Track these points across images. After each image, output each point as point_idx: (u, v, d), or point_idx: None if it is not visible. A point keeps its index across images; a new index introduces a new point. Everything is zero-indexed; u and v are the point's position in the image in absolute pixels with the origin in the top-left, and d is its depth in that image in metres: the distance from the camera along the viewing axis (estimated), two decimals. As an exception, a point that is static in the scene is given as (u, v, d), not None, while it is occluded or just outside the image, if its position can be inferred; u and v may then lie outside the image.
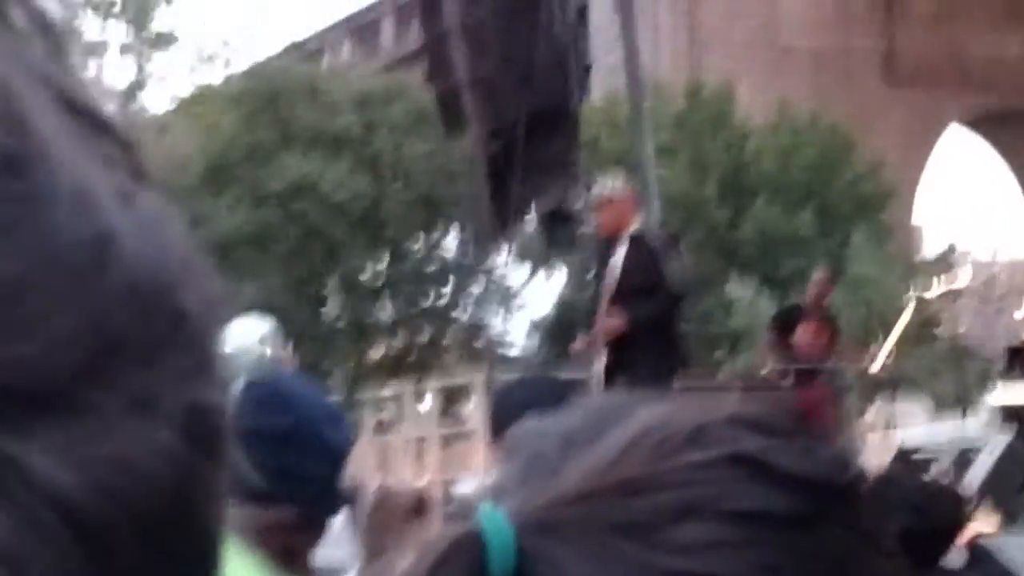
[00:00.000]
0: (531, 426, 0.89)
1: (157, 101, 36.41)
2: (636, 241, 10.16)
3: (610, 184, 10.70)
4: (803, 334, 14.42)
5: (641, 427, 0.84)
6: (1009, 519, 10.05)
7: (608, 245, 10.48)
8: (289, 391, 2.26)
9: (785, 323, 14.95)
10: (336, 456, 2.11)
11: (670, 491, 0.82)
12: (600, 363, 10.08)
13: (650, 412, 0.86)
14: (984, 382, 18.44)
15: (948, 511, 4.93)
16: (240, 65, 35.15)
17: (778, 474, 0.83)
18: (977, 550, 4.98)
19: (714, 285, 26.95)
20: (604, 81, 29.62)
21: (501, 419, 4.37)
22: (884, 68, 39.76)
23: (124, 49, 34.65)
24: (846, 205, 31.50)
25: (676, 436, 0.84)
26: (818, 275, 15.56)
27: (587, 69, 12.67)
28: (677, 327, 10.69)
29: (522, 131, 12.11)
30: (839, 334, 14.97)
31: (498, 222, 13.72)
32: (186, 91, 35.64)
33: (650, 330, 10.06)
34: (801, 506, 0.82)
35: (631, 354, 9.91)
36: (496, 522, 0.82)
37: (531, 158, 12.07)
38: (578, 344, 10.34)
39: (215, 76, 35.33)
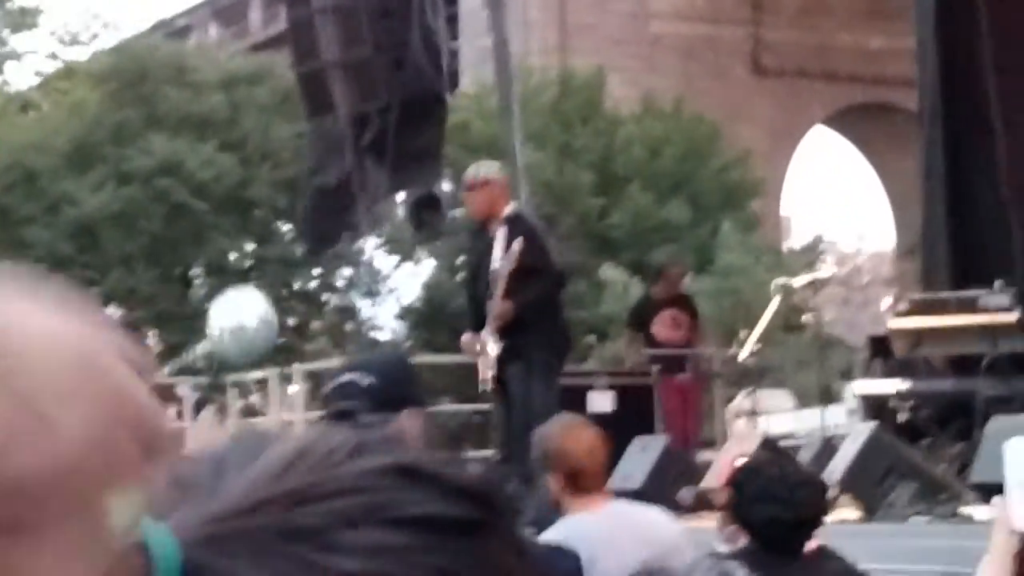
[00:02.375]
0: (173, 460, 0.87)
1: (21, 78, 35.77)
2: (513, 222, 10.13)
3: (484, 168, 10.70)
4: (660, 325, 14.51)
5: (302, 443, 0.85)
6: (870, 508, 10.16)
7: (481, 230, 10.45)
8: None
9: (639, 318, 15.03)
10: None
11: (339, 498, 0.82)
12: (495, 348, 10.04)
13: (305, 434, 0.87)
14: (848, 372, 18.67)
15: (811, 501, 4.96)
16: (106, 43, 34.65)
17: (441, 483, 0.85)
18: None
19: (584, 271, 27.04)
20: (474, 67, 29.58)
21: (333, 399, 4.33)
22: (752, 60, 40.14)
23: (-14, 25, 34.02)
24: (715, 195, 31.75)
25: (339, 449, 0.85)
26: (671, 267, 15.66)
27: (455, 54, 12.64)
28: (563, 307, 10.71)
29: (394, 117, 12.05)
30: (699, 320, 15.06)
31: (365, 208, 13.63)
32: (50, 68, 35.08)
33: (539, 311, 10.05)
34: (467, 513, 0.85)
35: (523, 337, 9.89)
36: (160, 536, 0.79)
37: (400, 144, 12.01)
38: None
39: (80, 53, 34.79)
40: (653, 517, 5.67)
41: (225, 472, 0.84)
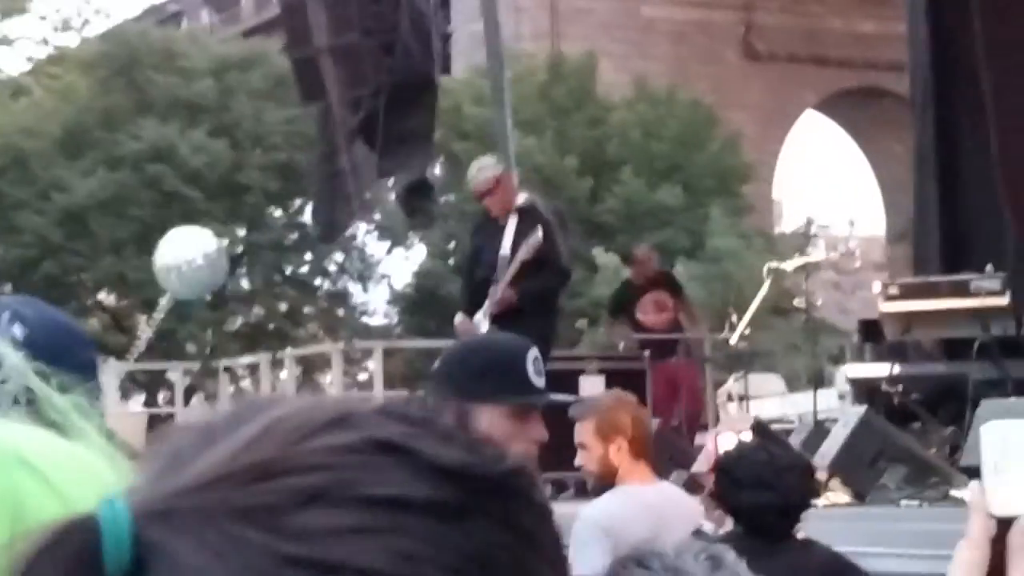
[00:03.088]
0: (176, 424, 0.84)
1: (11, 63, 35.71)
2: (527, 213, 10.10)
3: (486, 169, 10.60)
4: (644, 310, 14.45)
5: (279, 414, 0.79)
6: (861, 492, 10.17)
7: (488, 215, 10.41)
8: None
9: (618, 305, 14.99)
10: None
11: (299, 475, 0.76)
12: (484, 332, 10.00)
13: (293, 402, 0.80)
14: (839, 356, 18.68)
15: (798, 486, 4.96)
16: (97, 29, 34.59)
17: (421, 461, 0.77)
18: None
19: (576, 256, 27.06)
20: (466, 52, 29.55)
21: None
22: (743, 44, 40.11)
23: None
24: (708, 179, 31.75)
25: (315, 421, 0.78)
26: (637, 251, 15.60)
27: (447, 38, 12.59)
28: (559, 301, 10.68)
29: (383, 101, 12.01)
30: (684, 298, 14.95)
31: (356, 193, 13.60)
32: (41, 54, 35.00)
33: (539, 303, 10.02)
34: (445, 495, 0.77)
35: (518, 326, 9.83)
36: (113, 510, 0.76)
37: (389, 129, 11.98)
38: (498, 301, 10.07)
39: (71, 39, 34.72)
40: (687, 498, 5.72)
41: (207, 442, 0.79)
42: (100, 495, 0.80)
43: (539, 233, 9.84)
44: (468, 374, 3.73)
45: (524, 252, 9.86)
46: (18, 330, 2.15)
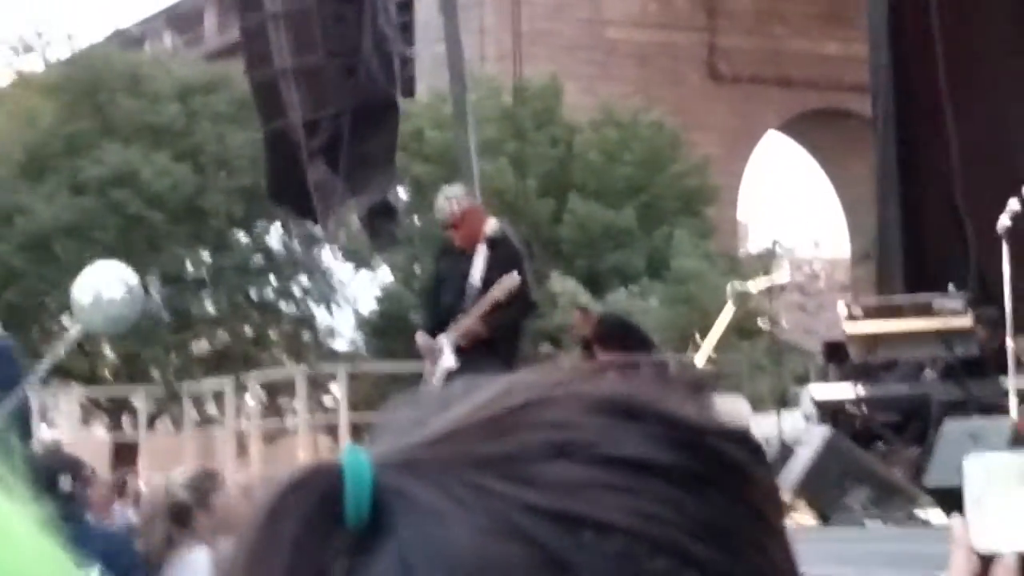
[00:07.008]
0: (410, 394, 0.86)
1: (-27, 88, 35.55)
2: (498, 244, 10.06)
3: (453, 199, 10.49)
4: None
5: (520, 377, 0.80)
6: (826, 513, 10.18)
7: (456, 245, 10.34)
8: None
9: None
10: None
11: (541, 431, 0.76)
12: (450, 359, 9.97)
13: (533, 371, 0.82)
14: (803, 377, 18.71)
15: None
16: (59, 53, 34.47)
17: (660, 427, 0.77)
18: None
19: (538, 280, 27.03)
20: (429, 75, 29.57)
21: None
22: (707, 66, 40.23)
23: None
24: (672, 201, 31.79)
25: (556, 381, 0.79)
26: (576, 317, 15.29)
27: (408, 60, 12.58)
28: (524, 333, 10.65)
29: (347, 123, 12.00)
30: (626, 346, 14.33)
31: (323, 216, 13.59)
32: (3, 79, 34.88)
33: (505, 335, 10.01)
34: (685, 463, 0.77)
35: (482, 356, 9.78)
36: (356, 457, 0.77)
37: (353, 151, 11.97)
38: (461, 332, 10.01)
39: (34, 63, 34.60)
40: None
41: (447, 405, 0.80)
42: None
43: (515, 275, 9.80)
44: None
45: (499, 292, 9.79)
46: None
